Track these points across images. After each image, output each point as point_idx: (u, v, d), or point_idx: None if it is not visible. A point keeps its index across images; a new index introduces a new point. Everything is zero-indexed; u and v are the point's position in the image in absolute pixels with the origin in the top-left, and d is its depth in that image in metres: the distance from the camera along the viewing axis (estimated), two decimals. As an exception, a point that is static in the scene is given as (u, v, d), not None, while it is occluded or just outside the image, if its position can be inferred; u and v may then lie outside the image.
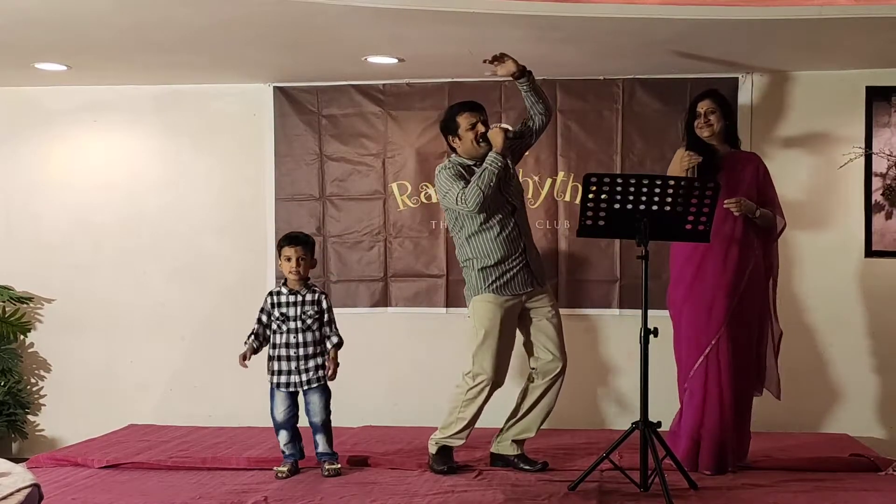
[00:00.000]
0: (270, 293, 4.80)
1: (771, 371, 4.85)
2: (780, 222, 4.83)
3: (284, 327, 4.70)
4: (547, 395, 4.71)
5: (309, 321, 4.70)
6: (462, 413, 4.66)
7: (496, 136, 4.57)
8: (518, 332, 4.76)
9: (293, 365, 4.69)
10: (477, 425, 4.74)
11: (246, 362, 4.68)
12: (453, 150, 4.74)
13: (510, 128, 4.74)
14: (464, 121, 4.64)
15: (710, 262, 4.68)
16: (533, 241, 4.81)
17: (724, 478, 4.58)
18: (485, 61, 4.63)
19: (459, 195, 4.51)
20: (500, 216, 4.61)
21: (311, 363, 4.69)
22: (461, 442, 4.74)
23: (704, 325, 4.67)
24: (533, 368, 4.75)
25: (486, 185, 4.48)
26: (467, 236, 4.65)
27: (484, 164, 4.53)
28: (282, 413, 4.73)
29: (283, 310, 4.71)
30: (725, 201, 4.61)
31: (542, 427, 4.78)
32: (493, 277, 4.62)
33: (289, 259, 4.72)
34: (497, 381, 4.64)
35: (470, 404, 4.65)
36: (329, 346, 4.72)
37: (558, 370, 4.69)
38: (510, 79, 4.64)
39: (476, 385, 4.62)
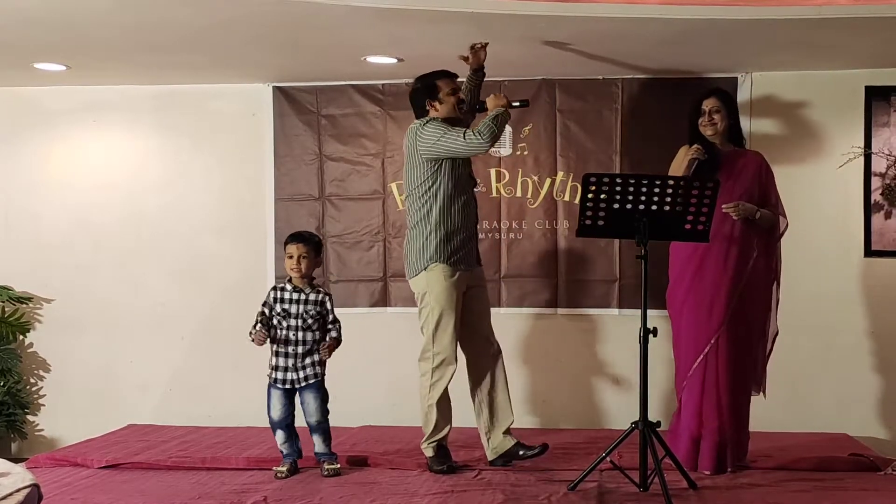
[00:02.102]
0: (274, 288, 4.79)
1: (759, 369, 4.83)
2: (782, 222, 4.83)
3: (285, 324, 4.70)
4: (499, 373, 4.75)
5: (310, 321, 4.70)
6: (430, 400, 4.66)
7: (498, 101, 4.60)
8: None
9: (290, 362, 4.68)
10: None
11: (265, 343, 4.65)
12: (426, 113, 4.72)
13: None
14: (445, 85, 4.70)
15: (710, 262, 4.67)
16: None
17: (724, 478, 4.58)
18: (472, 47, 4.76)
19: (467, 133, 4.52)
20: (468, 189, 4.72)
21: (308, 360, 4.69)
22: (449, 427, 4.71)
23: (704, 324, 4.67)
24: (467, 353, 4.77)
25: (500, 127, 4.54)
26: (437, 198, 4.61)
27: (492, 113, 4.55)
28: (278, 412, 4.73)
29: (286, 306, 4.70)
30: (724, 206, 4.59)
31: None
32: (453, 248, 4.63)
33: (291, 256, 4.73)
34: (454, 360, 4.65)
35: (435, 387, 4.65)
36: (328, 337, 4.73)
37: (496, 346, 4.77)
38: (470, 69, 4.84)
39: (438, 365, 4.63)
